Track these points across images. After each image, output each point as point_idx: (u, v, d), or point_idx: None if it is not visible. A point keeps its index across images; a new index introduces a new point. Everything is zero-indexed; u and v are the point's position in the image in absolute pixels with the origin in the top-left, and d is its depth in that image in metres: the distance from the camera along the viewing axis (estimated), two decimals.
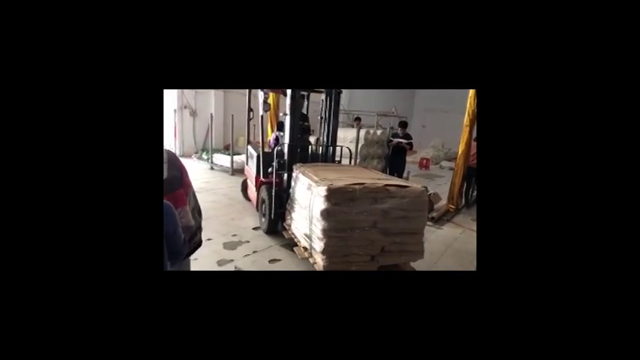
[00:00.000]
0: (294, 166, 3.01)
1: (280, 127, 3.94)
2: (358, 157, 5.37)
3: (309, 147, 3.86)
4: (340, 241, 2.16)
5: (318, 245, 2.21)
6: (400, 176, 5.93)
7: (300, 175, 2.71)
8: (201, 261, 2.77)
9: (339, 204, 2.10)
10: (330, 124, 3.46)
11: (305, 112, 4.07)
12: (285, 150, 3.31)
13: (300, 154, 3.47)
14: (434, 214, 4.49)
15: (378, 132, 6.06)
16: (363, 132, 5.58)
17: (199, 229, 1.46)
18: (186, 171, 1.39)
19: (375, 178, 2.51)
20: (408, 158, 5.97)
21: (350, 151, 3.92)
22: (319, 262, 2.23)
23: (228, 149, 7.68)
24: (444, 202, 5.05)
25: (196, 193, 1.45)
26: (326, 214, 2.10)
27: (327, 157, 3.55)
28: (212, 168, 7.14)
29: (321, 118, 3.55)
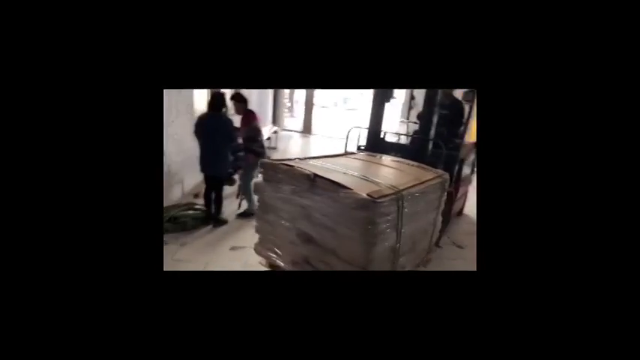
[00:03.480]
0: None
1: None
2: None
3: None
4: (268, 226, 1.88)
5: None
6: None
7: None
8: None
9: (269, 180, 1.83)
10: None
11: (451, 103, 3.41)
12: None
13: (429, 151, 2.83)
14: None
15: None
16: None
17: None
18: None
19: (403, 178, 1.76)
20: None
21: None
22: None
23: None
24: None
25: None
26: (255, 186, 1.96)
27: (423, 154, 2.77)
28: None
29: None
